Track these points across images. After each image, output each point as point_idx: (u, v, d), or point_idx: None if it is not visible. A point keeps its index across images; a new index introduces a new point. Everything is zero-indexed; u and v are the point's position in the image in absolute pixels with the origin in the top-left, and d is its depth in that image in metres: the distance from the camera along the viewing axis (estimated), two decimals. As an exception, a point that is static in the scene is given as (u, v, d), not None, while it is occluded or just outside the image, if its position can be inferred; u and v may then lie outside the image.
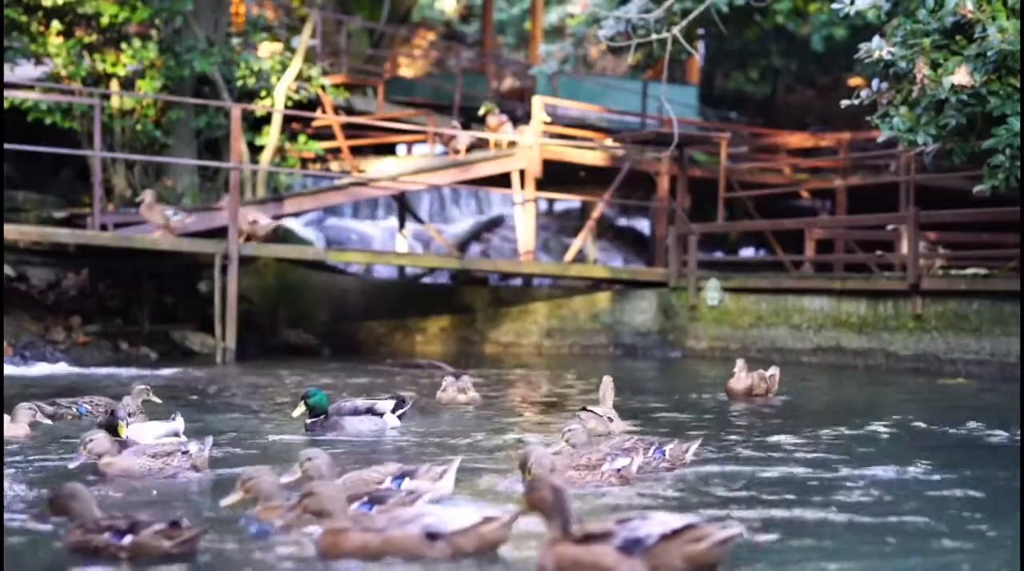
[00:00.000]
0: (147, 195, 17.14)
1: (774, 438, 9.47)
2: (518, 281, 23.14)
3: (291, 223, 23.76)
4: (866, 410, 11.55)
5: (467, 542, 5.44)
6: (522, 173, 20.63)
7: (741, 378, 12.09)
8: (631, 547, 4.93)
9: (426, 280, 23.70)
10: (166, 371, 15.28)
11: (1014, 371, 14.44)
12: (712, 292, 18.84)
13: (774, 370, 12.49)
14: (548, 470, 6.54)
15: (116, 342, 18.08)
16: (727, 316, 18.75)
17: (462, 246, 24.38)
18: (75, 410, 10.45)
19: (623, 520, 5.07)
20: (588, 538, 5.01)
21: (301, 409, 9.51)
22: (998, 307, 15.39)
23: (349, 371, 15.85)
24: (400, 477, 6.64)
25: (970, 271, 16.74)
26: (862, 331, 16.96)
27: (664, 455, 7.80)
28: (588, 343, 20.10)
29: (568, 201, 26.39)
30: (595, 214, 22.00)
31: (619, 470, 7.23)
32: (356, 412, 9.66)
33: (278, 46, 22.86)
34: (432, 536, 5.42)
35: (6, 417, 9.21)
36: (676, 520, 5.06)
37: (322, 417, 9.56)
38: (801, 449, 8.92)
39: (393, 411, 9.86)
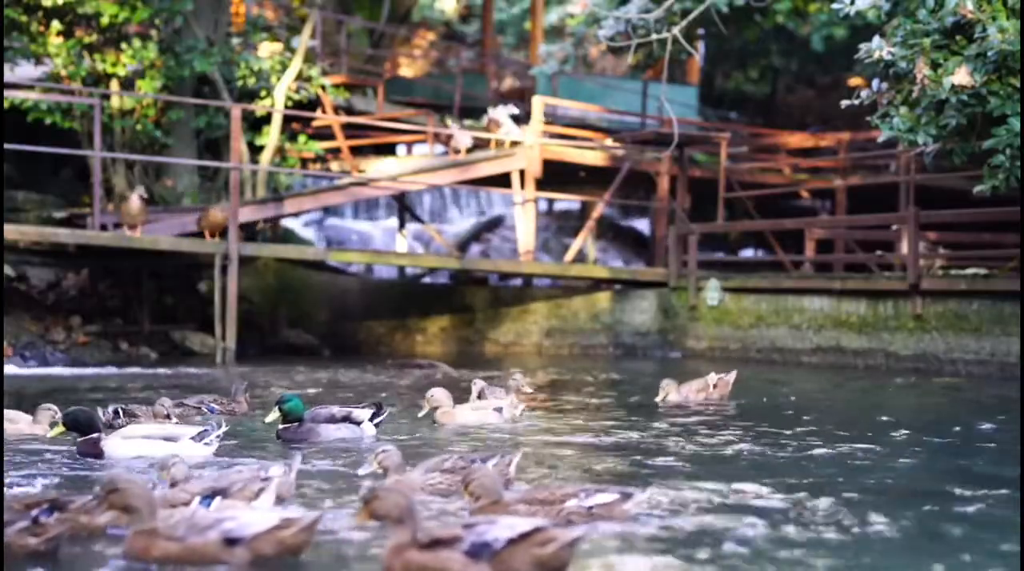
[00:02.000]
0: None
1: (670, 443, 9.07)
2: (518, 281, 23.13)
3: (291, 223, 23.77)
4: (799, 414, 11.22)
5: (266, 546, 5.31)
6: (522, 173, 20.64)
7: (670, 402, 11.79)
8: (479, 551, 4.91)
9: (426, 280, 23.69)
10: (165, 371, 15.28)
11: (1014, 371, 14.44)
12: (712, 292, 18.83)
13: (729, 375, 12.03)
14: (495, 498, 6.05)
15: (116, 342, 18.08)
16: (727, 316, 18.75)
17: (462, 246, 24.38)
18: (204, 408, 10.39)
19: (471, 525, 5.06)
20: (435, 543, 4.97)
21: (275, 415, 9.17)
22: (998, 307, 15.39)
23: (372, 370, 15.82)
24: (209, 496, 6.23)
25: (970, 271, 16.74)
26: (862, 331, 16.96)
27: None
28: (588, 343, 20.10)
29: (568, 201, 26.38)
30: (595, 214, 21.99)
31: (590, 508, 6.14)
32: (332, 419, 9.24)
33: (278, 46, 22.85)
34: (231, 542, 5.31)
35: (29, 417, 9.19)
36: (524, 523, 5.06)
37: (296, 424, 9.15)
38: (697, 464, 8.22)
39: (371, 419, 9.36)
